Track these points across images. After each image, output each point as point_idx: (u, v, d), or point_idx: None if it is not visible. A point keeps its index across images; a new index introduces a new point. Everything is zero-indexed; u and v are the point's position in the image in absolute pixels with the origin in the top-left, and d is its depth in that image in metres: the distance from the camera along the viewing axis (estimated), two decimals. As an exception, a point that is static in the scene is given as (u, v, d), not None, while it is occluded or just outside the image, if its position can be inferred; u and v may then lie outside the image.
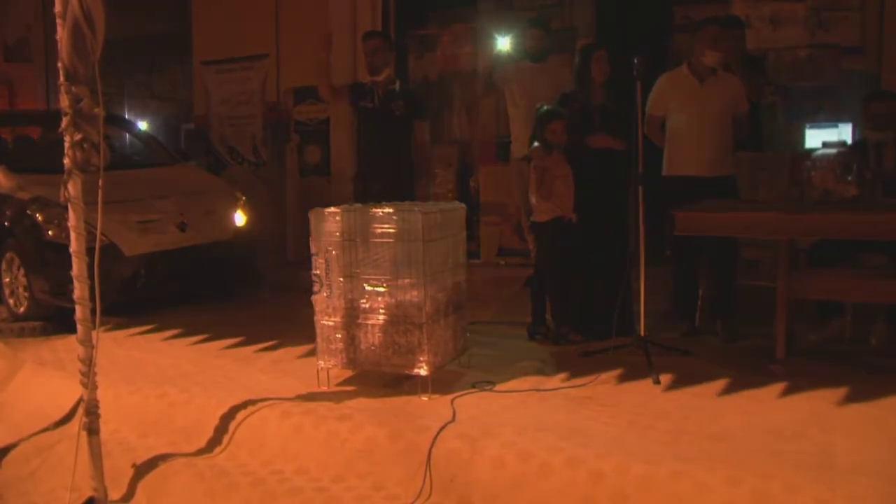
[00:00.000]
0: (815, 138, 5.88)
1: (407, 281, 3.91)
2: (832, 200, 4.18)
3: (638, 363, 4.30)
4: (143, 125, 9.60)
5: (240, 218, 6.72)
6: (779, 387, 3.92)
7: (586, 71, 5.05)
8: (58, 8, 2.93)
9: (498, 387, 4.05)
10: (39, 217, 5.77)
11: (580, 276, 4.94)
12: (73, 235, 3.07)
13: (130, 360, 4.84)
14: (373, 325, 4.00)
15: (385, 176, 5.60)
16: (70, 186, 3.03)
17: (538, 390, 3.99)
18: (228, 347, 5.13)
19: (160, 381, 4.28)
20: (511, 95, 5.91)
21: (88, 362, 3.09)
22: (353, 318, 4.04)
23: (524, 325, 5.16)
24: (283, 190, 8.00)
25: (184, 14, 9.36)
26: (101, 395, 3.22)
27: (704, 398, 3.82)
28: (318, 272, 4.08)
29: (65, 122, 2.98)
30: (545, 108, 4.95)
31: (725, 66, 5.01)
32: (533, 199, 4.94)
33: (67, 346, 5.01)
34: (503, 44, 6.09)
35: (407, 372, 3.99)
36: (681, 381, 4.08)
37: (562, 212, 4.86)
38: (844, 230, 4.03)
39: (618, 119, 4.93)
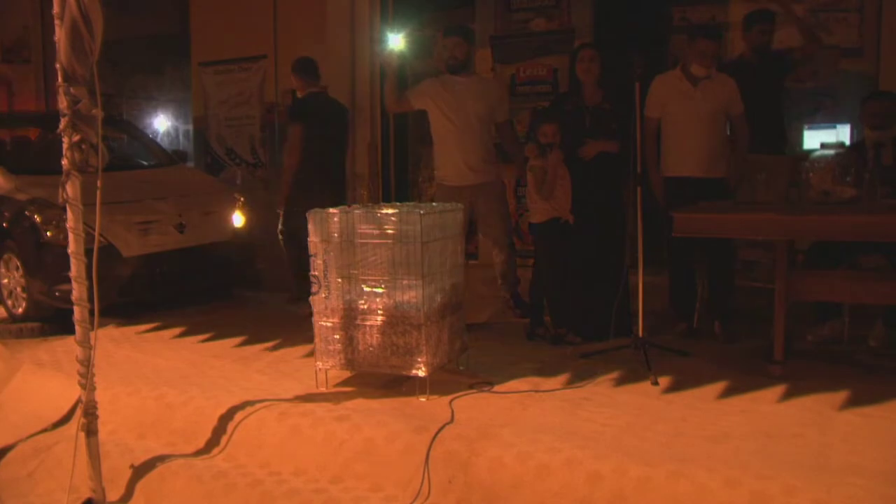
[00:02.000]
0: (813, 139, 5.88)
1: (405, 282, 3.91)
2: (830, 202, 4.19)
3: (636, 364, 4.31)
4: (159, 126, 9.61)
5: (238, 219, 6.71)
6: (777, 388, 3.93)
7: (574, 71, 5.07)
8: (56, 9, 2.93)
9: (496, 388, 4.05)
10: (38, 218, 5.77)
11: (578, 277, 4.94)
12: (71, 236, 3.07)
13: (128, 362, 4.84)
14: (371, 326, 4.00)
15: None
16: (68, 187, 3.03)
17: (536, 391, 3.99)
18: (227, 348, 5.13)
19: (158, 382, 4.28)
20: (438, 114, 5.36)
21: (87, 363, 3.09)
22: (351, 319, 4.04)
23: (523, 326, 5.17)
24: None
25: (182, 15, 9.35)
26: (99, 396, 3.22)
27: (702, 399, 3.82)
28: (316, 273, 4.08)
29: (63, 123, 2.98)
30: (540, 109, 4.98)
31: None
32: (531, 201, 4.94)
33: (66, 347, 5.01)
34: (395, 42, 5.23)
35: (405, 373, 3.99)
36: (679, 383, 4.09)
37: (559, 213, 4.86)
38: (842, 231, 4.03)
39: (611, 120, 4.93)
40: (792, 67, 5.54)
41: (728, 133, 5.02)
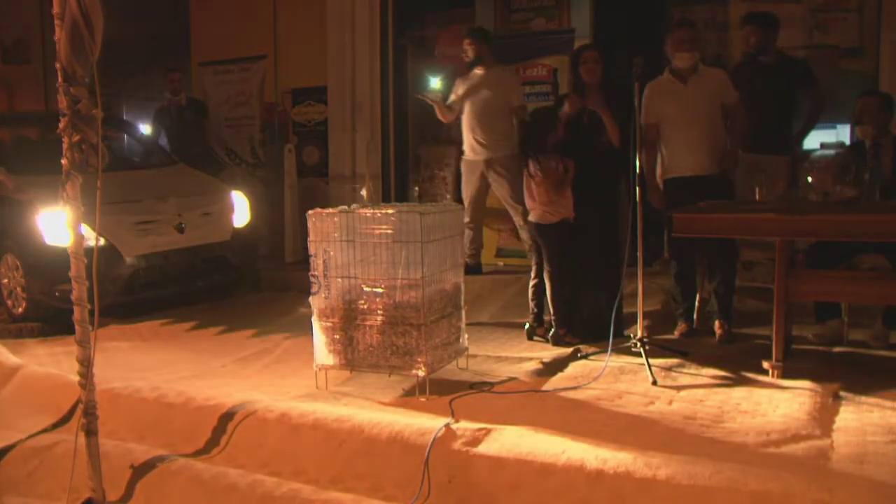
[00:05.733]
0: (813, 139, 5.88)
1: (405, 282, 3.91)
2: (830, 201, 4.18)
3: (636, 364, 4.31)
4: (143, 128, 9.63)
5: (238, 219, 6.72)
6: (777, 388, 3.93)
7: (577, 73, 5.07)
8: (56, 9, 2.92)
9: (496, 388, 4.05)
10: (38, 218, 5.76)
11: (578, 277, 4.94)
12: (71, 236, 3.07)
13: (129, 361, 4.84)
14: (371, 327, 4.00)
15: None
16: (68, 187, 3.02)
17: (536, 391, 3.99)
18: (226, 348, 5.13)
19: (158, 382, 4.27)
20: (463, 103, 6.37)
21: (86, 363, 3.08)
22: (351, 319, 4.04)
23: (523, 325, 5.17)
24: (282, 191, 8.01)
25: (182, 15, 9.36)
26: (98, 396, 3.21)
27: (702, 399, 3.82)
28: (316, 273, 4.08)
29: (63, 123, 2.97)
30: (539, 112, 4.99)
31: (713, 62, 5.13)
32: (542, 203, 4.90)
33: (66, 347, 5.01)
34: (434, 83, 6.73)
35: (405, 373, 3.99)
36: (679, 383, 4.09)
37: (566, 213, 4.87)
38: (842, 231, 4.03)
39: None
40: (808, 77, 5.54)
41: (726, 124, 5.00)
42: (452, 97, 6.41)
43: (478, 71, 6.27)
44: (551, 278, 4.92)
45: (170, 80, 8.35)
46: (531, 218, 5.00)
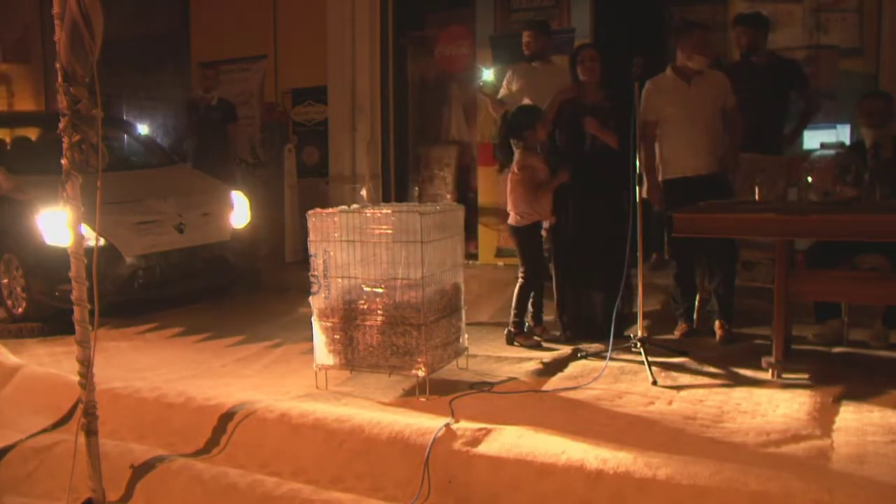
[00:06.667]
0: (813, 139, 5.87)
1: (405, 282, 3.91)
2: (830, 201, 4.18)
3: (636, 364, 4.31)
4: (142, 128, 9.63)
5: (238, 219, 6.71)
6: (777, 388, 3.93)
7: (575, 72, 5.08)
8: (56, 9, 2.92)
9: (496, 388, 4.05)
10: (38, 218, 5.76)
11: (579, 277, 4.95)
12: (71, 236, 3.07)
13: (128, 361, 4.84)
14: (371, 327, 4.00)
15: None
16: (68, 187, 3.02)
17: (536, 391, 3.99)
18: (226, 348, 5.13)
19: (158, 381, 4.28)
20: (520, 96, 6.05)
21: (87, 363, 3.08)
22: (351, 319, 4.04)
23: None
24: (282, 191, 8.01)
25: (182, 15, 9.36)
26: (98, 396, 3.21)
27: (702, 399, 3.82)
28: (316, 273, 4.08)
29: (63, 123, 2.97)
30: (523, 108, 5.01)
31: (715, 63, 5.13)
32: (516, 204, 4.91)
33: (66, 347, 5.01)
34: (487, 75, 6.42)
35: (405, 373, 3.99)
36: (679, 383, 4.09)
37: (543, 216, 4.88)
38: (842, 231, 4.03)
39: (609, 118, 4.92)
40: (800, 78, 5.55)
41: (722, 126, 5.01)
42: (504, 91, 6.22)
43: (536, 65, 6.13)
44: (524, 277, 4.95)
45: (203, 77, 8.28)
46: (509, 220, 5.01)
